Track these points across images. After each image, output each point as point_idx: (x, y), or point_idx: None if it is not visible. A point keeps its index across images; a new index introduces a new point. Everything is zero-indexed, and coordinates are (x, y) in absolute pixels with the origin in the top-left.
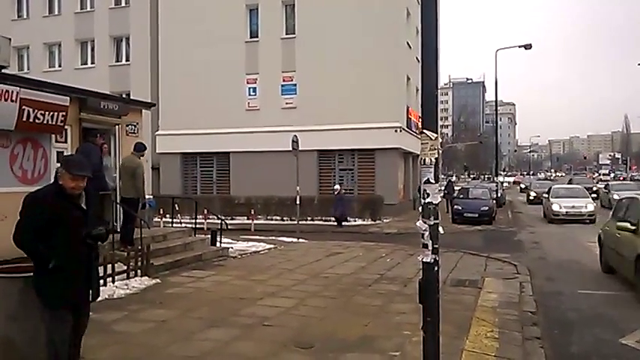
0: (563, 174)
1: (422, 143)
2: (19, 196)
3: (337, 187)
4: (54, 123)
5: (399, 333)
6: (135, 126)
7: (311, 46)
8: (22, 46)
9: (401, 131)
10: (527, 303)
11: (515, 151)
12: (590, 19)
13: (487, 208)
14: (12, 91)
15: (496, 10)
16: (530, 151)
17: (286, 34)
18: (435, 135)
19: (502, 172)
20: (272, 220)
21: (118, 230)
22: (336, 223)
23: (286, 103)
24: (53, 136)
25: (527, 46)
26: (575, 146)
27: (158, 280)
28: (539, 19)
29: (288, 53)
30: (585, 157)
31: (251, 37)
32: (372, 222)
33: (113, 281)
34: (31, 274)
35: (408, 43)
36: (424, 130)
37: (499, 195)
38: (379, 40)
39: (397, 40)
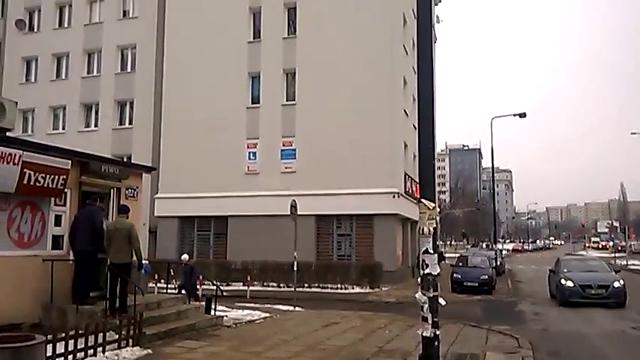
0: (562, 242)
1: (420, 212)
2: (14, 260)
3: (185, 256)
4: (54, 186)
5: None
6: (135, 190)
7: (310, 112)
8: (28, 109)
9: (399, 197)
10: None
11: (514, 218)
12: (585, 89)
13: (487, 277)
14: (15, 154)
15: (492, 77)
16: (528, 219)
17: (287, 100)
18: (433, 204)
19: (501, 240)
20: (268, 286)
21: (109, 297)
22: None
23: (285, 168)
24: (52, 199)
25: (522, 115)
26: (572, 214)
27: (150, 351)
28: (534, 87)
29: (289, 119)
30: (583, 225)
31: (252, 103)
32: (371, 289)
33: (103, 351)
34: (22, 344)
35: (405, 111)
36: (422, 200)
37: (499, 263)
38: (376, 107)
39: (394, 108)
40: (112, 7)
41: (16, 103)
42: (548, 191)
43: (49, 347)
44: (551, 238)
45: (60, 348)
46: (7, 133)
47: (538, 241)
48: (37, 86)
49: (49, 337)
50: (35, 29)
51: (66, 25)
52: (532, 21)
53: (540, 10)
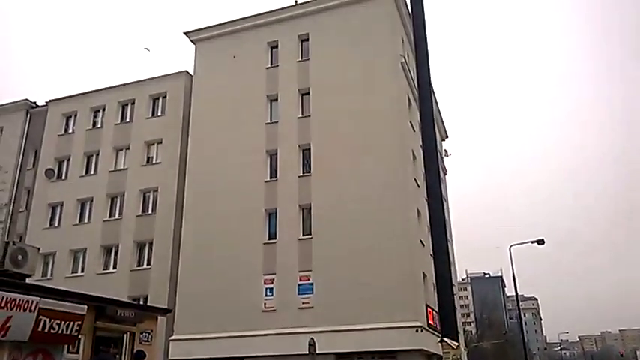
0: None
1: (443, 352)
2: None
3: None
4: (68, 332)
5: None
6: (149, 333)
7: (327, 246)
8: (50, 253)
9: (422, 331)
10: None
11: (545, 348)
12: (616, 207)
13: None
14: (32, 302)
15: (508, 204)
16: (560, 349)
17: (303, 235)
18: (457, 343)
19: None
20: None
21: None
22: None
23: (303, 303)
24: (66, 346)
25: (540, 242)
26: (607, 342)
27: None
28: (554, 211)
29: (305, 253)
30: (622, 354)
31: (269, 239)
32: None
33: None
34: None
35: (421, 241)
36: (444, 339)
37: None
38: (393, 239)
39: (411, 239)
40: (136, 155)
41: (39, 249)
42: (579, 318)
43: None
44: None
45: None
46: (27, 279)
47: None
48: (60, 230)
49: None
50: (63, 177)
51: (92, 173)
52: (548, 149)
53: (556, 142)
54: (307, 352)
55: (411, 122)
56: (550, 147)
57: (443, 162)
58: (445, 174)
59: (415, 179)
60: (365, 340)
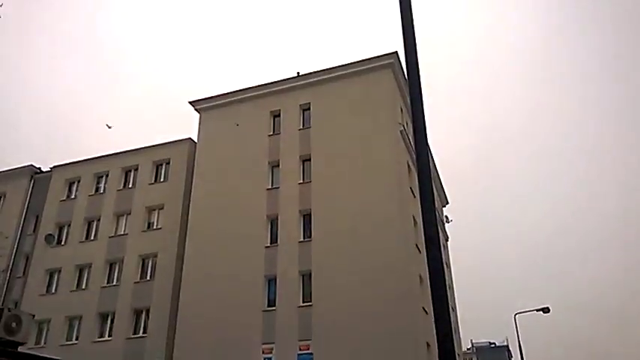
0: None
1: None
2: None
3: None
4: None
5: None
6: None
7: (328, 313)
8: (44, 320)
9: None
10: None
11: None
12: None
13: None
14: None
15: (512, 270)
16: None
17: (303, 301)
18: None
19: None
20: None
21: None
22: None
23: None
24: None
25: (545, 310)
26: None
27: None
28: (564, 277)
29: (305, 321)
30: None
31: (268, 306)
32: None
33: None
34: None
35: (424, 309)
36: None
37: None
38: (395, 307)
39: (413, 307)
40: (137, 220)
41: (33, 316)
42: None
43: None
44: None
45: None
46: (19, 348)
47: None
48: (56, 297)
49: None
50: (63, 242)
51: (92, 238)
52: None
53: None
54: None
55: (411, 188)
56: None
57: (444, 228)
58: (447, 240)
59: (417, 245)
60: None
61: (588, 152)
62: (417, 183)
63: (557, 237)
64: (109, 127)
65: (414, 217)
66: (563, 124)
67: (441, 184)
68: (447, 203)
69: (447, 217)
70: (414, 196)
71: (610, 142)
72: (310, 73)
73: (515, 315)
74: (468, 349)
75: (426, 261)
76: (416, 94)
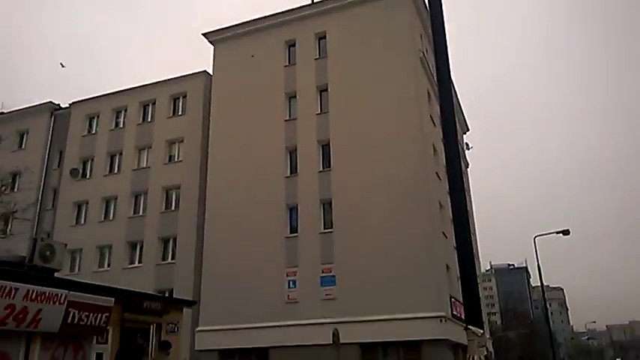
0: None
1: (468, 339)
2: None
3: None
4: (97, 324)
5: None
6: (175, 325)
7: (349, 239)
8: (77, 249)
9: (446, 321)
10: None
11: (572, 338)
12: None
13: None
14: (60, 295)
15: (533, 193)
16: (587, 339)
17: (324, 228)
18: (481, 331)
19: None
20: None
21: None
22: None
23: (326, 295)
24: (95, 337)
25: (565, 232)
26: (637, 332)
27: None
28: (579, 204)
29: (327, 246)
30: None
31: (291, 233)
32: None
33: None
34: None
35: (444, 233)
36: (469, 326)
37: None
38: (415, 231)
39: (433, 231)
40: (158, 154)
41: (65, 244)
42: (607, 308)
43: None
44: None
45: None
46: (55, 274)
47: None
48: (85, 227)
49: None
50: (88, 176)
51: (116, 172)
52: (572, 138)
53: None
54: (331, 343)
55: (431, 116)
56: (576, 136)
57: (464, 155)
58: (467, 167)
59: (437, 173)
60: (389, 331)
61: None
62: (436, 110)
63: (575, 163)
64: (63, 66)
65: (434, 146)
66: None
67: (461, 110)
68: (468, 130)
69: (467, 144)
70: (434, 125)
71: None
72: (325, 0)
73: (534, 237)
74: (486, 270)
75: (446, 188)
76: (438, 22)
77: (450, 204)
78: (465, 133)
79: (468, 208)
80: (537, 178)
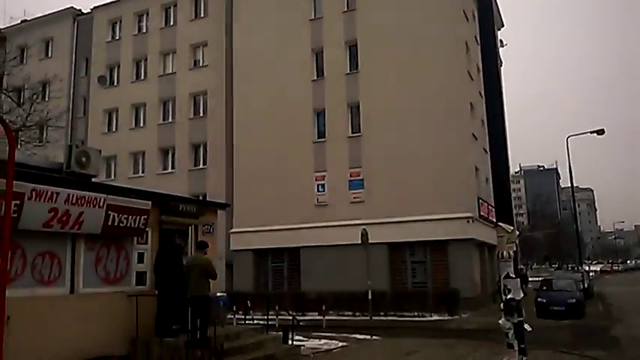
0: None
1: (498, 236)
2: (102, 296)
3: None
4: (136, 226)
5: None
6: (211, 226)
7: (376, 142)
8: (111, 156)
9: (473, 221)
10: None
11: (599, 238)
12: None
13: (575, 300)
14: (99, 198)
15: (566, 95)
16: (615, 238)
17: (352, 132)
18: (512, 228)
19: (586, 261)
20: (344, 315)
21: (190, 329)
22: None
23: (354, 198)
24: (135, 238)
25: (600, 132)
26: None
27: None
28: (611, 103)
29: (355, 150)
30: None
31: (318, 138)
32: (450, 317)
33: None
34: None
35: (473, 135)
36: (499, 224)
37: (586, 285)
38: (444, 133)
39: (462, 133)
40: (183, 59)
41: (100, 151)
42: (637, 209)
43: None
44: None
45: None
46: (92, 179)
47: (629, 262)
48: (117, 135)
49: None
50: (115, 83)
51: (142, 78)
52: (606, 36)
53: (614, 24)
54: (360, 242)
55: (464, 11)
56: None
57: (498, 53)
58: (500, 65)
59: (468, 71)
60: (417, 231)
61: None
62: (470, 5)
63: (612, 63)
64: None
65: (466, 43)
66: None
67: (496, 3)
68: (503, 26)
69: (501, 40)
70: (467, 20)
71: None
72: None
73: (567, 137)
74: (516, 172)
75: (478, 88)
76: None
77: (482, 105)
78: (499, 30)
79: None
80: (572, 75)
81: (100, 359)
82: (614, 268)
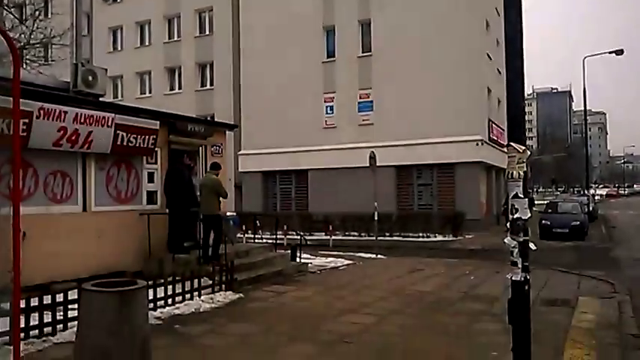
0: None
1: (509, 156)
2: (114, 215)
3: None
4: (145, 146)
5: (486, 354)
6: (219, 147)
7: (387, 62)
8: (117, 76)
9: (482, 144)
10: (629, 325)
11: (608, 162)
12: None
13: (578, 222)
14: (108, 117)
15: (580, 15)
16: (624, 162)
17: (362, 52)
18: (523, 148)
19: (593, 185)
20: (350, 235)
21: (202, 246)
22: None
23: (363, 120)
24: (145, 157)
25: (619, 52)
26: None
27: (241, 295)
28: (627, 23)
29: (365, 71)
30: None
31: (328, 58)
32: (454, 238)
33: (199, 295)
34: (127, 288)
35: (488, 55)
36: (511, 143)
37: (591, 209)
38: (457, 52)
39: (477, 52)
40: None
41: (106, 70)
42: None
43: (151, 292)
44: None
45: (160, 293)
46: (100, 99)
47: (636, 186)
48: (123, 54)
49: (150, 282)
50: (118, 0)
51: None
52: None
53: None
54: (368, 165)
55: None
56: None
57: None
58: None
59: None
60: (424, 154)
61: None
62: None
63: None
64: None
65: None
66: None
67: None
68: None
69: None
70: None
71: None
72: None
73: (584, 58)
74: (528, 94)
75: (494, 4)
76: None
77: (499, 24)
78: None
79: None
80: None
81: (114, 274)
82: (620, 192)
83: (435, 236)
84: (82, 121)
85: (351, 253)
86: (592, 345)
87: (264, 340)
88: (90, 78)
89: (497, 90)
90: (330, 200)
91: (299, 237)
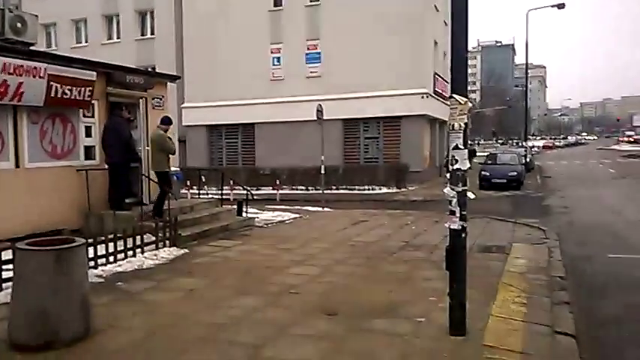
0: (595, 137)
1: (451, 108)
2: (50, 170)
3: None
4: (81, 98)
5: (425, 299)
6: (161, 99)
7: (335, 13)
8: (49, 23)
9: (427, 97)
10: (556, 268)
11: (546, 115)
12: None
13: (515, 173)
14: (40, 68)
15: None
16: (560, 115)
17: (310, 1)
18: (465, 99)
19: (531, 137)
20: (297, 189)
21: (145, 202)
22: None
23: (311, 72)
24: (81, 110)
25: (560, 6)
26: (608, 109)
27: (186, 250)
28: None
29: (313, 21)
30: (618, 120)
31: (275, 6)
32: (398, 190)
33: (142, 252)
34: (64, 246)
35: (435, 6)
36: (453, 95)
37: (528, 160)
38: (405, 3)
39: (424, 3)
40: None
41: (37, 16)
42: (584, 87)
43: (91, 250)
44: (584, 134)
45: (101, 251)
46: (31, 48)
47: (570, 138)
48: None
49: (90, 240)
50: None
51: None
52: None
53: None
54: (315, 119)
55: None
56: None
57: None
58: None
59: None
60: (371, 108)
61: None
62: None
63: None
64: None
65: None
66: None
67: None
68: None
69: None
70: None
71: None
72: None
73: (528, 12)
74: (473, 47)
75: None
76: None
77: None
78: None
79: None
80: None
81: (51, 233)
82: (556, 143)
83: (380, 188)
84: (10, 71)
85: (298, 207)
86: (523, 288)
87: (210, 293)
88: (19, 25)
89: (443, 43)
90: (278, 154)
91: (245, 192)
